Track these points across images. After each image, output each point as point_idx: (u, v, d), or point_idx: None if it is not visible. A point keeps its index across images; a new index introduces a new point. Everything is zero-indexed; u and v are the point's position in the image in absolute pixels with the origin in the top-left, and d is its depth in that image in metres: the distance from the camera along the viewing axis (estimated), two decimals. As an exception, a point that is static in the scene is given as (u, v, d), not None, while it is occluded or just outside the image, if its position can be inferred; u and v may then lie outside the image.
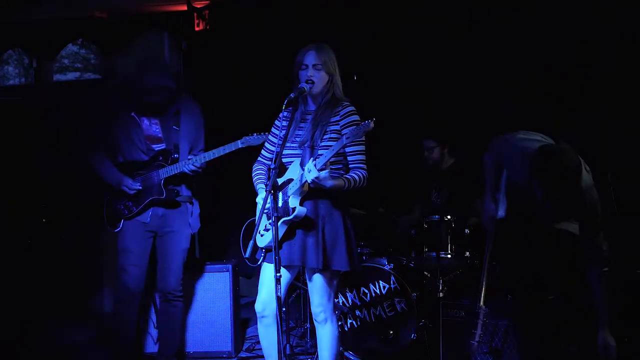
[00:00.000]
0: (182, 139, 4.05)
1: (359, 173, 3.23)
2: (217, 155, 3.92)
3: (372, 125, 2.94)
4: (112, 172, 4.03)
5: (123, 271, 4.05)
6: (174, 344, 4.22)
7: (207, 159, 3.94)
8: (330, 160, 3.10)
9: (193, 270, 4.69)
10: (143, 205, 4.01)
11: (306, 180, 3.15)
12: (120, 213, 4.04)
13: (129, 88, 4.09)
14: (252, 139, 3.82)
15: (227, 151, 3.90)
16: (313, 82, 3.28)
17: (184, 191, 4.12)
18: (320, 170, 3.04)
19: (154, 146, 4.05)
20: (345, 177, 3.20)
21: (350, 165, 3.28)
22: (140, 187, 4.00)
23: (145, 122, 4.06)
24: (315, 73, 3.29)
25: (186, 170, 3.95)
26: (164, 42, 6.29)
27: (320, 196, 3.26)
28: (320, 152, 3.17)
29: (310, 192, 3.24)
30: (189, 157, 3.98)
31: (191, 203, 4.17)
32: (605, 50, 4.56)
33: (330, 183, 3.08)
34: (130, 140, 4.02)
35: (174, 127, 4.04)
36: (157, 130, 4.07)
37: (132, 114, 4.04)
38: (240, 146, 3.85)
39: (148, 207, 4.03)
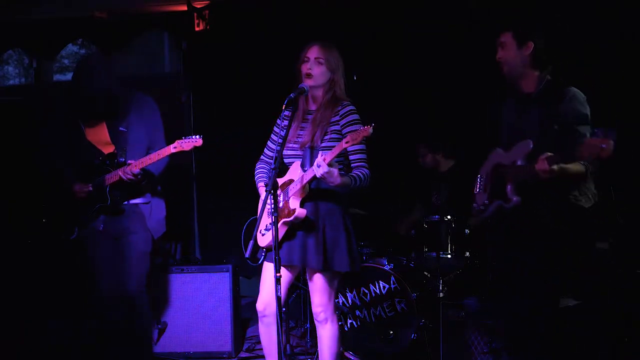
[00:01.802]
0: (132, 140, 3.90)
1: (363, 172, 3.23)
2: (152, 162, 3.73)
3: (370, 130, 2.94)
4: (66, 177, 3.93)
5: (91, 281, 3.96)
6: (144, 348, 4.10)
7: (142, 165, 3.75)
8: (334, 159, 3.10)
9: (192, 271, 4.69)
10: (93, 212, 3.89)
11: (308, 182, 3.15)
12: (74, 220, 3.93)
13: (74, 93, 3.97)
14: (184, 143, 3.66)
15: (161, 156, 3.72)
16: (311, 76, 3.28)
17: (136, 195, 3.95)
18: (329, 165, 3.03)
19: (103, 150, 3.91)
20: (351, 175, 3.20)
21: (352, 165, 3.28)
22: (91, 189, 3.86)
23: (92, 124, 3.93)
24: (315, 67, 3.28)
25: (124, 178, 3.78)
26: (164, 45, 6.30)
27: (321, 197, 3.26)
28: (323, 151, 3.17)
29: (311, 193, 3.24)
30: (128, 162, 3.78)
31: (147, 204, 4.00)
32: (605, 50, 4.55)
33: (339, 179, 3.08)
34: (77, 146, 3.92)
35: (120, 128, 3.90)
36: (105, 133, 3.93)
37: (77, 118, 3.93)
38: (172, 151, 3.68)
39: (98, 214, 3.91)
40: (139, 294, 3.96)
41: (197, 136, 3.65)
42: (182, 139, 3.68)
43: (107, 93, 3.84)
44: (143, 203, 3.99)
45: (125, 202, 3.93)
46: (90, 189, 3.87)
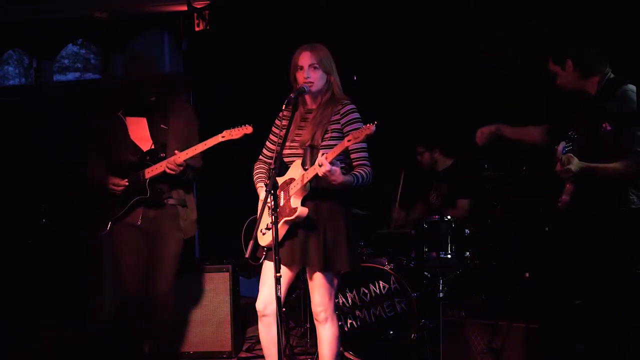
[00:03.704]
0: (171, 138, 3.93)
1: (365, 170, 3.23)
2: (198, 152, 3.75)
3: (373, 128, 2.94)
4: (100, 173, 3.93)
5: (117, 274, 3.98)
6: (164, 346, 4.10)
7: (188, 156, 3.77)
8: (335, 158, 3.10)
9: (192, 271, 4.69)
10: (129, 205, 3.89)
11: (308, 181, 3.15)
12: (107, 214, 3.93)
13: (116, 87, 4.00)
14: (234, 132, 3.65)
15: (208, 146, 3.73)
16: (312, 83, 3.28)
17: (175, 193, 3.98)
18: (331, 163, 3.03)
19: (142, 146, 3.94)
20: (353, 174, 3.20)
21: (354, 163, 3.28)
22: (127, 184, 3.87)
23: (133, 121, 3.96)
24: (312, 73, 3.28)
25: (167, 170, 3.80)
26: (164, 45, 6.31)
27: (323, 196, 3.26)
28: (324, 149, 3.17)
29: (313, 193, 3.24)
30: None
31: (184, 206, 4.02)
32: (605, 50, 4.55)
33: (341, 178, 3.07)
34: (118, 141, 3.93)
35: (161, 125, 3.93)
36: (145, 129, 3.96)
37: (119, 113, 3.95)
38: (221, 140, 3.68)
39: (134, 207, 3.91)
40: (166, 293, 3.96)
41: (246, 125, 3.63)
42: (230, 128, 3.66)
43: (152, 84, 3.87)
44: (180, 205, 4.00)
45: (164, 200, 3.94)
46: (127, 183, 3.88)
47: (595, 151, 3.03)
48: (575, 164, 2.97)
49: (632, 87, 3.18)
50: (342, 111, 3.29)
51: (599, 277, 3.19)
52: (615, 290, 3.20)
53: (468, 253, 4.44)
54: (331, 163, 3.03)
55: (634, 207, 3.16)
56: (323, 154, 3.06)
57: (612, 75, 3.28)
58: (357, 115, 3.29)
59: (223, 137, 3.68)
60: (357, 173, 3.20)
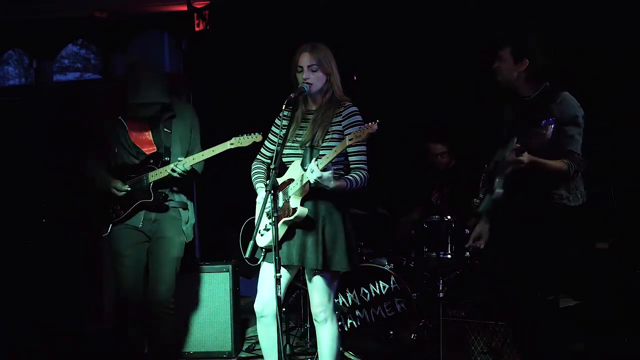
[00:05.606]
0: (174, 142, 3.93)
1: (361, 174, 3.22)
2: (205, 158, 3.77)
3: (375, 127, 2.93)
4: (101, 175, 3.92)
5: (116, 276, 3.97)
6: (164, 352, 4.08)
7: (195, 162, 3.78)
8: (332, 161, 3.10)
9: (192, 271, 4.69)
10: (131, 208, 3.88)
11: (308, 181, 3.15)
12: (108, 217, 3.92)
13: (116, 88, 3.97)
14: (243, 139, 3.66)
15: (216, 153, 3.74)
16: (310, 84, 3.28)
17: (177, 196, 3.98)
18: (322, 170, 3.04)
19: (145, 149, 3.93)
20: (347, 178, 3.19)
21: (351, 166, 3.27)
22: (129, 189, 3.87)
23: (135, 125, 3.94)
24: (311, 74, 3.28)
25: (172, 174, 3.80)
26: (164, 45, 6.30)
27: (321, 196, 3.25)
28: (322, 152, 3.17)
29: (311, 193, 3.23)
30: (178, 159, 3.80)
31: (185, 209, 4.02)
32: (606, 51, 4.56)
33: (332, 184, 3.07)
34: (119, 144, 3.91)
35: (164, 129, 3.92)
36: (148, 133, 3.96)
37: (120, 117, 3.93)
38: (229, 147, 3.68)
39: (137, 211, 3.90)
40: (166, 296, 3.95)
41: (256, 133, 3.63)
42: (238, 135, 3.66)
43: (160, 105, 3.84)
44: (183, 208, 3.99)
45: (166, 203, 3.93)
46: (129, 189, 3.88)
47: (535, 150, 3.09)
48: (526, 156, 3.02)
49: (569, 94, 3.24)
50: (343, 113, 3.29)
51: (532, 271, 3.26)
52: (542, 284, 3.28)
53: (468, 253, 4.45)
54: (326, 168, 3.02)
55: (564, 202, 3.23)
56: (316, 160, 3.05)
57: (548, 84, 3.31)
58: (359, 117, 3.28)
59: (232, 144, 3.67)
60: (351, 177, 3.20)
